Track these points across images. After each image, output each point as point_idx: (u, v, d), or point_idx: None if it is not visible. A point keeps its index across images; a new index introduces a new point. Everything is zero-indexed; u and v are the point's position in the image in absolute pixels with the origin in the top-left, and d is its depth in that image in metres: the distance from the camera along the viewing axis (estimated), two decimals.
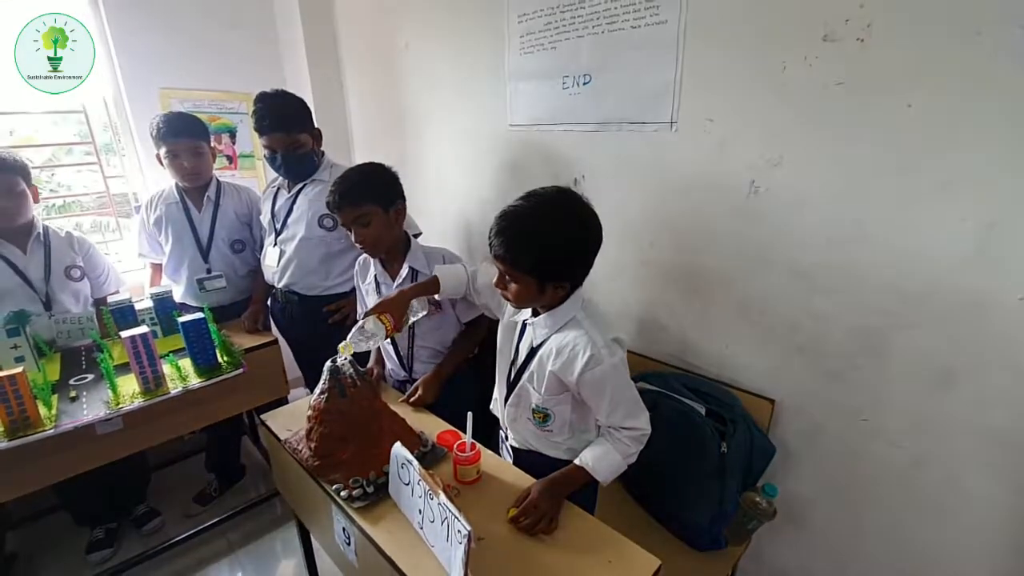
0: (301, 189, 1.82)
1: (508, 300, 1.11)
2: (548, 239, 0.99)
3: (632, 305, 1.60)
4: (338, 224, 1.73)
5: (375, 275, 1.53)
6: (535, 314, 1.14)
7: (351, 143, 2.61)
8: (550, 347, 1.10)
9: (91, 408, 1.42)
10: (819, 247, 1.18)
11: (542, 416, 1.16)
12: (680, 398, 1.32)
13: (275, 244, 1.88)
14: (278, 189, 1.89)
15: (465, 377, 1.57)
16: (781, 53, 1.13)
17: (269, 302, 2.04)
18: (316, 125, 1.81)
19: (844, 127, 1.09)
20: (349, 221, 1.38)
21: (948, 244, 1.02)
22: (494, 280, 1.09)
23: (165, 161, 1.85)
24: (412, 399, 1.45)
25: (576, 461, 1.10)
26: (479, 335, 1.60)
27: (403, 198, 1.46)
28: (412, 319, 1.28)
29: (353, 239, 1.40)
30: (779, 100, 1.16)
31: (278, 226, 1.87)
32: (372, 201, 1.37)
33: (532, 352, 1.14)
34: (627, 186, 1.50)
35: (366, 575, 1.08)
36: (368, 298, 1.58)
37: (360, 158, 2.58)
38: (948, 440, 1.10)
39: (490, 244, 1.04)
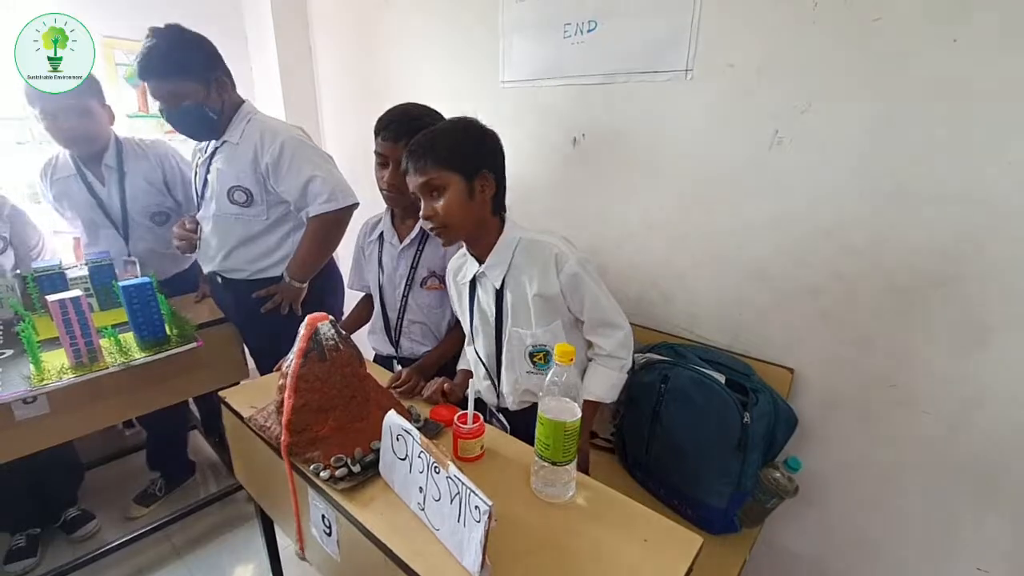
0: (215, 154, 1.52)
1: (441, 231, 1.03)
2: (450, 127, 1.04)
3: (635, 275, 1.49)
4: (252, 199, 1.50)
5: (382, 231, 1.40)
6: (482, 263, 1.11)
7: (319, 111, 2.41)
8: (517, 277, 1.09)
9: (8, 386, 1.19)
10: (849, 201, 1.09)
11: (542, 357, 1.12)
12: (696, 367, 1.21)
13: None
14: (205, 152, 1.57)
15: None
16: None
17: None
18: (216, 71, 1.43)
19: (882, 67, 1.01)
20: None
21: (996, 194, 0.94)
22: (422, 212, 1.03)
23: (43, 125, 1.52)
24: (400, 388, 1.23)
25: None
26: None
27: None
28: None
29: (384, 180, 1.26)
30: (809, 40, 1.08)
31: (198, 200, 1.59)
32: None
33: (500, 297, 1.11)
34: (633, 144, 1.39)
35: (352, 571, 0.91)
36: (369, 258, 1.44)
37: (331, 128, 2.39)
38: (985, 402, 1.03)
39: (405, 170, 1.03)
